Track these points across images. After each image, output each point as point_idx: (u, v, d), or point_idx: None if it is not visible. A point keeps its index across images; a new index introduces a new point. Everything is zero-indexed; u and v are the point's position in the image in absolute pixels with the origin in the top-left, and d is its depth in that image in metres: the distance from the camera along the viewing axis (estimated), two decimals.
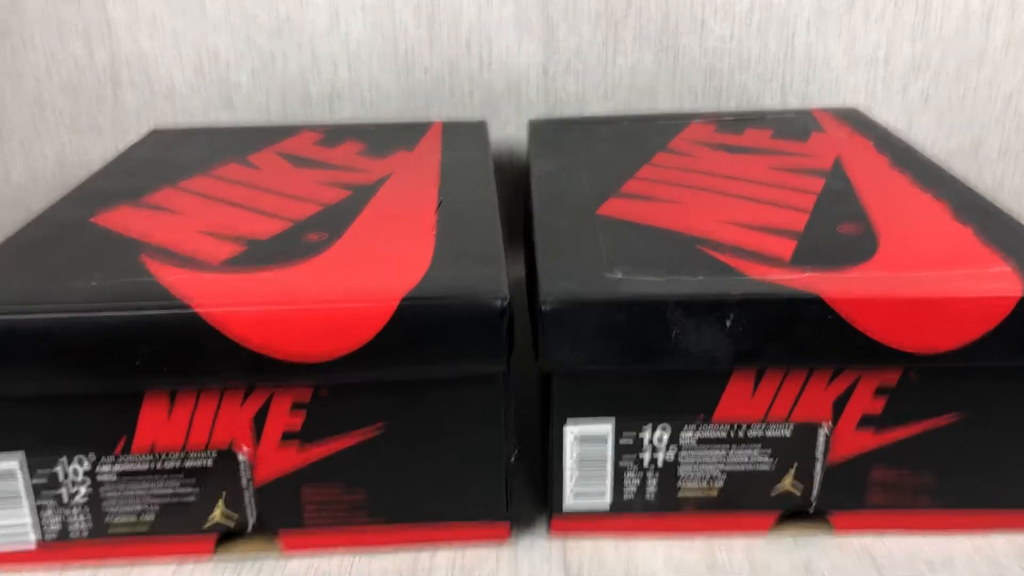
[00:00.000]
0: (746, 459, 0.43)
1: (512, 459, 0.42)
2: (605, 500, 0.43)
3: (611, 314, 0.39)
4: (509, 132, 0.73)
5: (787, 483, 0.43)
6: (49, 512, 0.42)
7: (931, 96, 0.72)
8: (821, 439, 0.42)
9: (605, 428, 0.42)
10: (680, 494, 0.43)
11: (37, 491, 0.42)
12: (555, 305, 0.39)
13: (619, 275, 0.41)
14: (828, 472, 0.43)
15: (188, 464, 0.41)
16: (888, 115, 0.72)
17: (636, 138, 0.61)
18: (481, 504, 0.43)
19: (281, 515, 0.43)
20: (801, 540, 0.44)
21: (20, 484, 0.41)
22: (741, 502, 0.43)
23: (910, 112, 0.72)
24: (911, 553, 0.43)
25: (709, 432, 0.42)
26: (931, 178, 0.53)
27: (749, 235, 0.45)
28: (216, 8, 0.69)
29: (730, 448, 0.42)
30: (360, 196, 0.51)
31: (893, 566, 0.42)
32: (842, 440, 0.42)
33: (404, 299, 0.39)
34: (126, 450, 0.41)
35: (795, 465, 0.43)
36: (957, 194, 0.50)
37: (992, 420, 0.42)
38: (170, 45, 0.70)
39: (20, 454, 0.41)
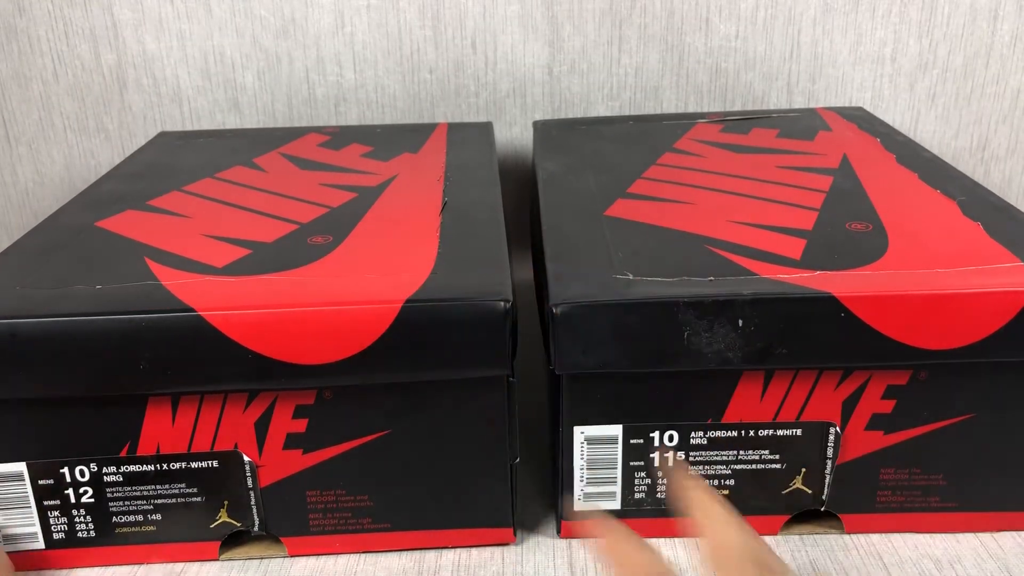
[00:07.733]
0: (756, 460, 0.42)
1: (515, 462, 0.42)
2: (615, 502, 0.43)
3: (622, 316, 0.39)
4: (515, 133, 0.73)
5: (797, 484, 0.43)
6: (56, 515, 0.42)
7: (938, 94, 0.72)
8: (831, 440, 0.42)
9: (615, 430, 0.42)
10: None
11: (43, 494, 0.42)
12: (565, 308, 0.39)
13: (629, 277, 0.41)
14: (838, 473, 0.42)
15: (193, 467, 0.41)
16: (895, 113, 0.72)
17: (642, 138, 0.61)
18: (486, 508, 0.43)
19: (286, 520, 0.43)
20: (809, 540, 0.43)
21: (27, 488, 0.41)
22: (751, 503, 0.43)
23: (917, 110, 0.72)
24: (919, 552, 0.42)
25: (719, 433, 0.42)
26: (939, 175, 0.52)
27: (758, 234, 0.45)
28: (222, 9, 0.69)
29: (740, 449, 0.42)
30: (365, 198, 0.51)
31: (900, 565, 0.42)
32: (852, 441, 0.42)
33: (407, 301, 0.39)
34: (131, 453, 0.41)
35: (805, 466, 0.42)
36: (965, 191, 0.50)
37: (1002, 419, 0.42)
38: (176, 47, 0.70)
39: (26, 458, 0.41)
